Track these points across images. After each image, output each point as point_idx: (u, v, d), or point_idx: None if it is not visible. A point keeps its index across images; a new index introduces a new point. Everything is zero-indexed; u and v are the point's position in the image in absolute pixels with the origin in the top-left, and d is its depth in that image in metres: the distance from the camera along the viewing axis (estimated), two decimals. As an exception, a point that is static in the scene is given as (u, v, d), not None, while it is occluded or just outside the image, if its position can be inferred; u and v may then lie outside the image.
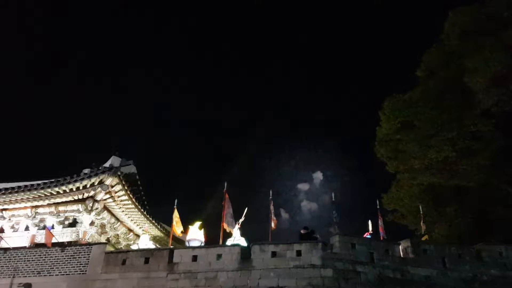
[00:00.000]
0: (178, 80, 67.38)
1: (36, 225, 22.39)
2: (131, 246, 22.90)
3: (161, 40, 71.31)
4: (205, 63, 69.36)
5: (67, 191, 21.19)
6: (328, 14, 69.41)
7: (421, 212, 21.48)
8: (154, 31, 72.59)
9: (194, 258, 16.40)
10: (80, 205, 21.75)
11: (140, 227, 24.65)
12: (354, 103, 54.38)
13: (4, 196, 21.57)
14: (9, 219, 22.75)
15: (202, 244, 17.86)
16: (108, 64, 69.60)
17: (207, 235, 18.55)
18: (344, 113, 55.09)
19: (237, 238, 18.28)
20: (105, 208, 22.59)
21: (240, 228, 19.15)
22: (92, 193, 21.32)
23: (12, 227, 22.76)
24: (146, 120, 65.31)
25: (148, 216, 24.10)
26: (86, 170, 21.50)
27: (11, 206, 22.37)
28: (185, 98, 67.22)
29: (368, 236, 19.76)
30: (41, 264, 18.14)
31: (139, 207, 23.22)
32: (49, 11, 69.09)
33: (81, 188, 21.17)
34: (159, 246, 23.38)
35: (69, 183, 21.04)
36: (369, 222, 21.09)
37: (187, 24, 72.89)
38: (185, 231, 19.36)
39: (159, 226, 25.23)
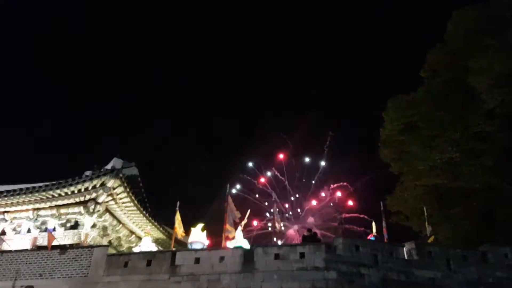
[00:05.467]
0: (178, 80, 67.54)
1: (38, 228, 22.29)
2: (133, 249, 22.79)
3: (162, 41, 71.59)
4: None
5: (69, 193, 21.09)
6: (330, 14, 69.48)
7: (425, 214, 21.32)
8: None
9: (197, 261, 16.29)
10: (82, 207, 21.62)
11: (142, 230, 24.52)
12: (356, 104, 54.21)
13: (6, 198, 21.48)
14: (11, 222, 22.66)
15: (205, 247, 17.75)
16: (108, 65, 70.04)
17: (209, 238, 18.46)
18: (345, 114, 54.96)
19: (239, 240, 18.19)
20: (107, 210, 22.47)
21: (242, 231, 19.08)
22: (94, 195, 21.19)
23: (14, 229, 22.68)
24: (148, 121, 65.49)
25: (150, 218, 23.98)
26: (88, 172, 21.39)
27: (13, 208, 22.28)
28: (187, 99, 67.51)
29: (372, 238, 19.65)
30: (43, 267, 18.10)
31: (141, 209, 23.10)
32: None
33: (82, 190, 21.06)
34: (161, 249, 23.26)
35: (70, 185, 20.93)
36: (373, 224, 20.98)
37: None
38: (187, 233, 19.24)
39: (161, 229, 25.11)
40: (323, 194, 46.88)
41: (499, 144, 21.16)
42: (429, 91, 23.76)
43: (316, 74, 62.61)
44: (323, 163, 48.57)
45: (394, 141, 24.61)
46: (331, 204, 44.93)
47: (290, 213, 47.31)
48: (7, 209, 22.36)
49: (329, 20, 70.92)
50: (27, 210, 22.36)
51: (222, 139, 59.37)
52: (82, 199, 21.42)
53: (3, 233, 22.58)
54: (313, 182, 48.45)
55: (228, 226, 19.73)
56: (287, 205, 47.43)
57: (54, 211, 22.14)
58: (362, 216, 40.12)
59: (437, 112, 22.22)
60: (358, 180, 45.85)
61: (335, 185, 46.14)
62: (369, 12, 67.89)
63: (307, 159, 49.28)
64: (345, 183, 46.01)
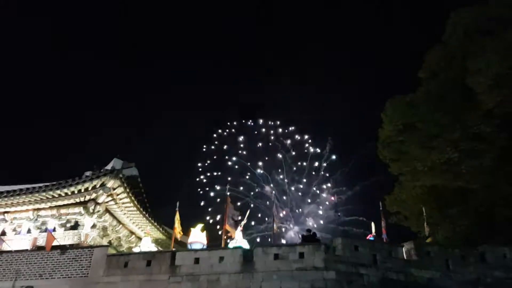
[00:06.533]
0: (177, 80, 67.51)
1: (38, 228, 22.33)
2: (133, 249, 22.83)
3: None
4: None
5: (69, 193, 21.14)
6: (330, 15, 69.53)
7: (424, 214, 21.36)
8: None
9: (196, 261, 16.34)
10: (81, 207, 21.68)
11: (142, 230, 24.58)
12: (356, 105, 54.24)
13: (6, 198, 21.53)
14: (11, 222, 22.71)
15: (204, 247, 17.80)
16: (108, 62, 70.14)
17: (209, 238, 18.51)
18: (345, 114, 55.00)
19: (239, 240, 18.23)
20: (107, 210, 22.53)
21: (242, 231, 19.13)
22: (93, 195, 21.25)
23: (14, 230, 22.72)
24: (148, 122, 65.50)
25: (150, 218, 24.04)
26: (88, 173, 21.43)
27: (13, 208, 22.32)
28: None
29: (371, 238, 19.70)
30: (43, 267, 18.16)
31: (141, 209, 23.15)
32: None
33: (82, 190, 21.10)
34: (161, 249, 23.30)
35: (71, 185, 20.97)
36: (372, 224, 21.02)
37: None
38: (187, 233, 19.29)
39: (161, 229, 25.16)
40: (330, 196, 47.25)
41: (498, 144, 21.17)
42: (428, 92, 23.76)
43: (315, 74, 62.61)
44: (323, 165, 48.98)
45: (393, 142, 24.61)
46: (334, 210, 45.26)
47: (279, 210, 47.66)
48: (7, 209, 22.40)
49: (328, 20, 71.04)
50: (27, 210, 22.40)
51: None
52: (82, 199, 21.47)
53: (3, 233, 22.61)
54: (313, 184, 48.86)
55: (227, 226, 19.79)
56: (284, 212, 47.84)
57: (54, 211, 22.19)
58: (361, 218, 40.38)
59: (436, 113, 22.22)
60: (357, 181, 46.12)
61: (335, 189, 46.50)
62: (369, 12, 67.96)
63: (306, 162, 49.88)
64: (344, 188, 46.46)
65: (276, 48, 74.26)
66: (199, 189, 49.78)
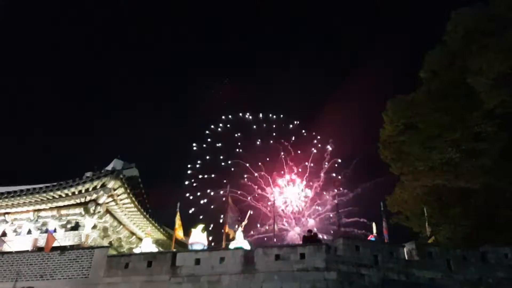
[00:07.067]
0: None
1: (39, 229, 22.31)
2: (133, 250, 22.79)
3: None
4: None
5: (69, 194, 21.12)
6: (331, 13, 69.55)
7: (425, 214, 21.33)
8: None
9: (197, 262, 16.30)
10: (82, 208, 21.65)
11: (142, 231, 24.55)
12: (356, 104, 54.19)
13: (7, 199, 21.51)
14: (12, 223, 22.69)
15: (205, 247, 17.77)
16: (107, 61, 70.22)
17: (209, 238, 18.48)
18: (345, 114, 54.98)
19: (240, 241, 18.19)
20: (108, 211, 22.50)
21: (243, 231, 19.11)
22: (94, 196, 21.22)
23: (15, 230, 22.70)
24: (148, 123, 65.51)
25: (150, 219, 24.01)
26: (88, 173, 21.42)
27: (13, 209, 22.30)
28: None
29: (372, 239, 19.65)
30: (43, 268, 18.12)
31: (142, 210, 23.12)
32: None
33: (83, 191, 21.08)
34: (161, 250, 23.27)
35: (71, 186, 20.95)
36: (373, 224, 20.98)
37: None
38: (187, 234, 19.27)
39: (161, 230, 25.13)
40: (331, 198, 47.28)
41: (499, 144, 21.15)
42: (429, 92, 23.74)
43: (315, 75, 62.63)
44: (324, 166, 49.05)
45: (394, 142, 24.61)
46: (333, 213, 45.25)
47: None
48: (8, 210, 22.38)
49: (329, 19, 71.06)
50: (27, 211, 22.38)
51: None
52: (82, 200, 21.46)
53: (4, 234, 22.59)
54: (314, 185, 48.91)
55: (227, 227, 19.76)
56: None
57: (54, 212, 22.17)
58: (362, 219, 40.43)
59: (436, 113, 22.21)
60: (358, 182, 46.14)
61: (336, 190, 46.56)
62: (369, 12, 67.97)
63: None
64: (345, 190, 46.51)
65: (275, 48, 74.21)
66: (187, 194, 49.13)
